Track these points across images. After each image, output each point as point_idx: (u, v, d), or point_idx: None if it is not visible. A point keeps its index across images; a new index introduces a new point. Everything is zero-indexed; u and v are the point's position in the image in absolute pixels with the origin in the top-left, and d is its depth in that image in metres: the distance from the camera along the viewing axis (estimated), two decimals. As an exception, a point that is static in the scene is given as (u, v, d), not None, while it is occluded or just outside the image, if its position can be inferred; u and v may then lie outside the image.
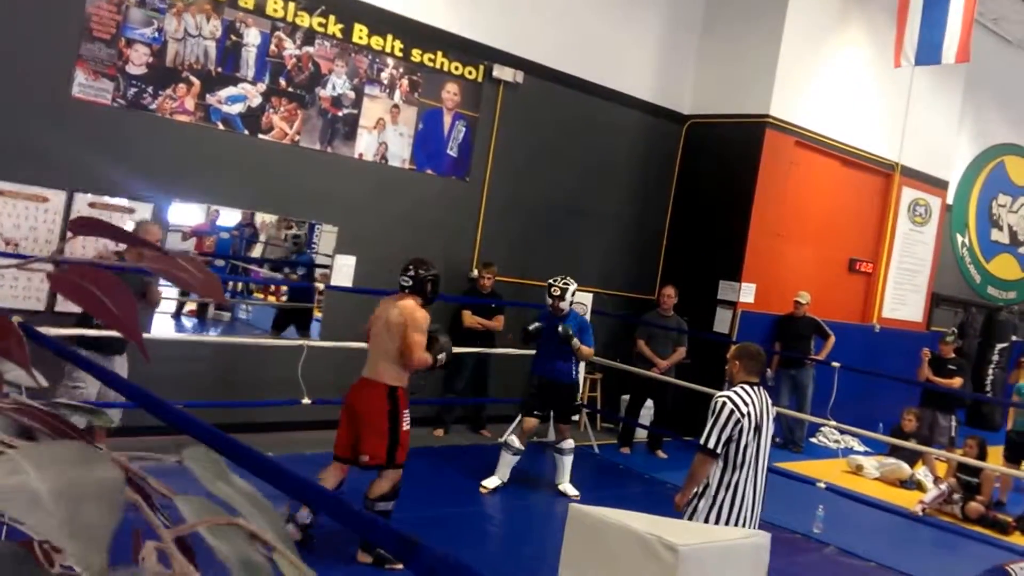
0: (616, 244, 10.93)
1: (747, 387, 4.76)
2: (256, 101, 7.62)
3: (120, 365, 6.26)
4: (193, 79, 7.26)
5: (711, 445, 4.62)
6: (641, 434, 9.96)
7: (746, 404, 4.66)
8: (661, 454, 9.68)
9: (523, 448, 7.58)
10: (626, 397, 10.09)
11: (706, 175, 11.07)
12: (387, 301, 6.01)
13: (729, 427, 4.60)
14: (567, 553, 1.71)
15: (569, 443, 7.71)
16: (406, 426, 5.69)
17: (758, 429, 4.67)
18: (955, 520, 8.51)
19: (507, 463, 7.51)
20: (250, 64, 7.57)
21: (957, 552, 7.40)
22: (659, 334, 9.73)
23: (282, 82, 7.77)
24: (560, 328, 7.54)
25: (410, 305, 5.78)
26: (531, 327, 7.78)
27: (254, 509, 0.71)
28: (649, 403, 9.84)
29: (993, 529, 8.28)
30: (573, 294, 7.67)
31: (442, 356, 5.89)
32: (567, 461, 7.69)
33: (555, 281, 7.75)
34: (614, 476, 8.76)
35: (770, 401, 4.90)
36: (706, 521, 4.48)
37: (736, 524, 4.46)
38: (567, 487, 7.61)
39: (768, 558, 1.73)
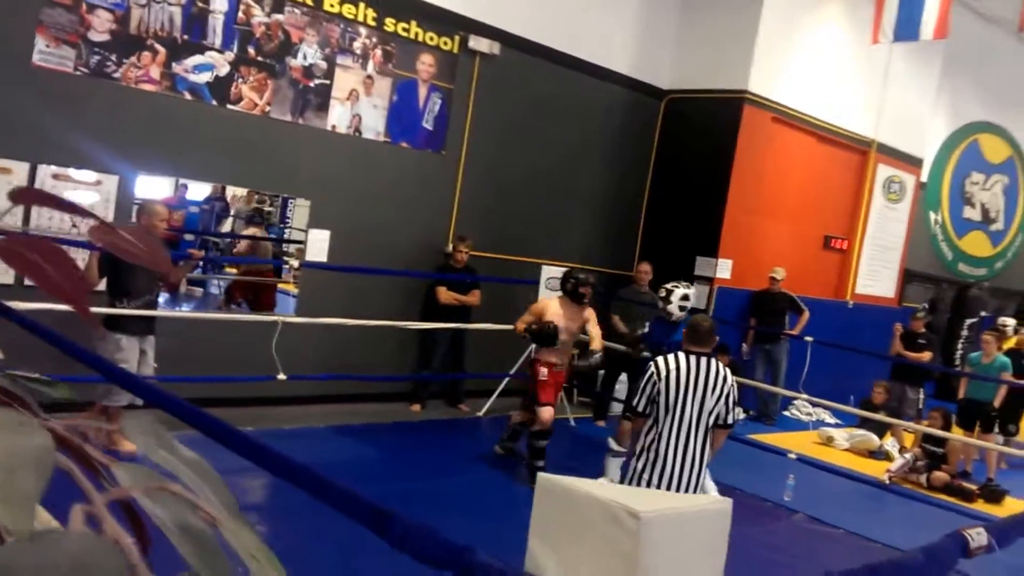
0: (594, 219, 10.91)
1: (683, 354, 5.01)
2: (224, 70, 7.47)
3: (150, 345, 6.38)
4: (158, 47, 7.10)
5: (633, 403, 5.11)
6: (616, 407, 9.98)
7: (668, 369, 4.95)
8: (636, 427, 9.71)
9: (623, 450, 7.33)
10: (602, 371, 10.10)
11: (684, 150, 11.06)
12: None
13: (648, 388, 4.98)
14: (536, 521, 1.71)
15: (619, 447, 7.17)
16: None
17: (684, 394, 4.89)
18: (921, 489, 8.66)
19: (614, 465, 7.15)
20: (217, 32, 7.41)
21: (922, 519, 7.47)
22: (633, 309, 9.74)
23: (251, 51, 7.62)
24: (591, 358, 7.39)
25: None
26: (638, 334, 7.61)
27: (199, 478, 0.70)
28: (623, 377, 9.86)
29: (957, 497, 8.42)
30: (683, 298, 7.25)
31: (583, 363, 7.41)
32: (613, 465, 7.15)
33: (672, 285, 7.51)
34: (590, 448, 8.78)
35: (722, 373, 5.00)
36: (632, 480, 4.88)
37: (657, 485, 4.71)
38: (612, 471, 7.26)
39: (729, 524, 1.73)
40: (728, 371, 5.12)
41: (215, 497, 0.69)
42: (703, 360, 5.02)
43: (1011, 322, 11.67)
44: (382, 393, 8.92)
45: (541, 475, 1.81)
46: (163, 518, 0.65)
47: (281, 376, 7.42)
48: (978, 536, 2.23)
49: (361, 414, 8.36)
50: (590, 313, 7.50)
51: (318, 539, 5.22)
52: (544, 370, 7.32)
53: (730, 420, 5.10)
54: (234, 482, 6.09)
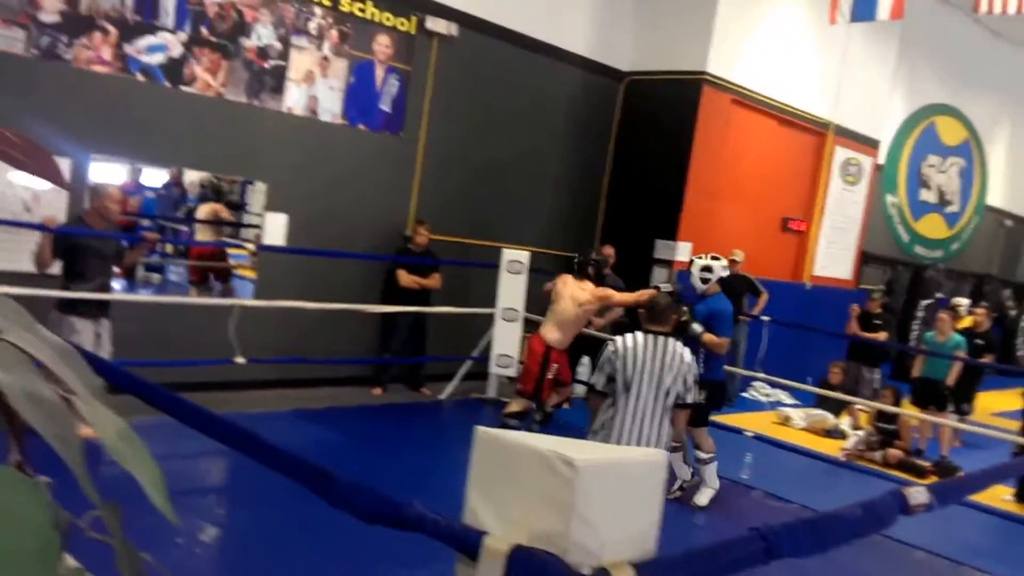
0: (554, 202, 10.93)
1: (642, 334, 5.11)
2: (177, 51, 7.39)
3: (105, 328, 6.34)
4: (109, 27, 7.00)
5: (591, 381, 5.30)
6: (579, 389, 10.02)
7: (626, 347, 5.06)
8: (597, 409, 9.76)
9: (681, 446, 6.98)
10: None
11: (644, 133, 11.10)
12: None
13: (606, 367, 5.09)
14: (474, 473, 1.73)
15: (702, 453, 6.72)
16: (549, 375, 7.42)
17: (641, 372, 5.00)
18: (876, 466, 8.81)
19: (676, 462, 6.90)
20: (169, 12, 7.32)
21: (875, 494, 7.61)
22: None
23: (204, 31, 7.53)
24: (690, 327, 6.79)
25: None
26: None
27: (62, 360, 0.71)
28: (586, 359, 9.91)
29: (911, 474, 8.56)
30: (704, 269, 6.77)
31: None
32: (706, 471, 6.72)
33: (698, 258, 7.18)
34: (554, 429, 8.78)
35: (679, 352, 5.09)
36: None
37: None
38: (703, 497, 6.72)
39: (665, 476, 1.76)
40: (687, 351, 5.16)
41: (77, 379, 0.70)
42: (660, 339, 5.08)
43: (965, 302, 11.85)
44: (342, 377, 8.90)
45: (479, 428, 1.83)
46: (8, 383, 0.66)
47: (240, 360, 7.40)
48: (918, 494, 2.27)
49: (321, 398, 8.34)
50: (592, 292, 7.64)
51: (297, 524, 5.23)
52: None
53: (690, 399, 5.15)
54: (199, 465, 6.07)
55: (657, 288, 7.21)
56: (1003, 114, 18.84)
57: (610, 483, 1.68)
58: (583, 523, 1.59)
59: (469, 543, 1.66)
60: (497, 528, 1.68)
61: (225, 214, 10.67)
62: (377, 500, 1.85)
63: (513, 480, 1.72)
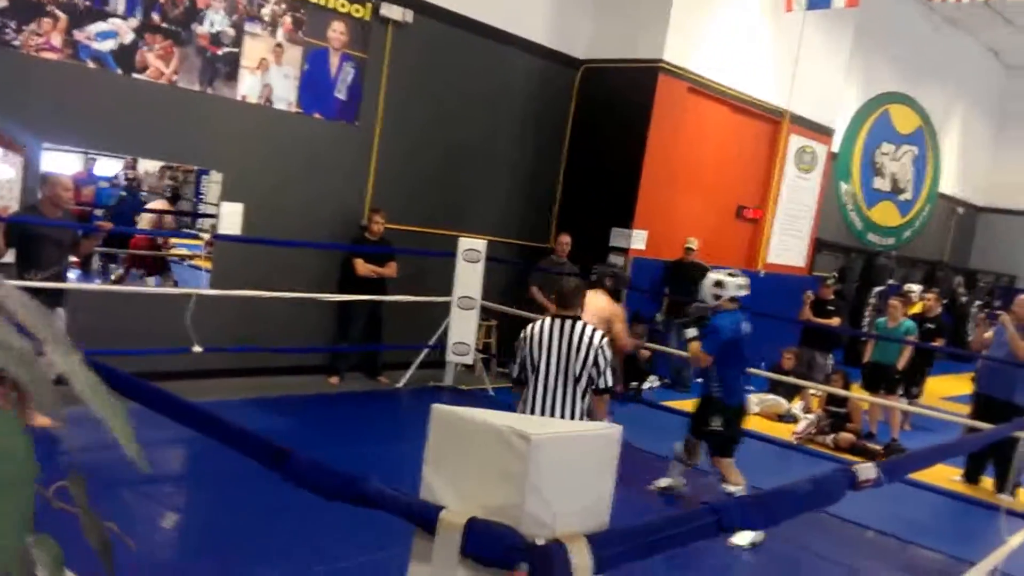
0: (511, 190, 10.95)
1: (552, 319, 5.06)
2: (128, 38, 7.28)
3: (60, 316, 6.25)
4: (59, 13, 6.88)
5: (509, 370, 5.28)
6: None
7: (533, 332, 5.04)
8: (555, 396, 9.81)
9: (688, 464, 6.78)
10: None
11: (601, 120, 11.14)
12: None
13: (518, 354, 5.10)
14: (430, 450, 1.76)
15: (729, 487, 6.24)
16: None
17: (548, 356, 4.95)
18: (827, 450, 8.96)
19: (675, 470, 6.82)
20: (120, -2, 7.23)
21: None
22: (552, 280, 9.82)
23: (155, 17, 7.43)
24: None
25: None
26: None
27: (31, 313, 0.72)
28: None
29: (862, 456, 8.71)
30: (715, 284, 6.33)
31: None
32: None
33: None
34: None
35: (588, 334, 4.95)
36: None
37: None
38: (741, 537, 5.98)
39: (618, 449, 1.79)
40: (598, 333, 5.03)
41: (45, 329, 0.71)
42: (567, 322, 5.00)
43: (916, 288, 12.05)
44: (299, 366, 8.87)
45: (435, 406, 1.85)
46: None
47: (196, 349, 7.37)
48: (866, 470, 2.31)
49: (278, 387, 8.32)
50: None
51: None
52: None
53: (602, 384, 5.01)
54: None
55: (612, 271, 7.32)
56: (956, 103, 19.16)
57: (564, 456, 1.70)
58: (537, 496, 1.62)
59: (426, 517, 1.68)
60: (453, 502, 1.70)
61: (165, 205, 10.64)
62: (334, 476, 1.87)
63: (469, 455, 1.74)
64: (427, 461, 1.83)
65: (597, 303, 7.10)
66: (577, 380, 4.96)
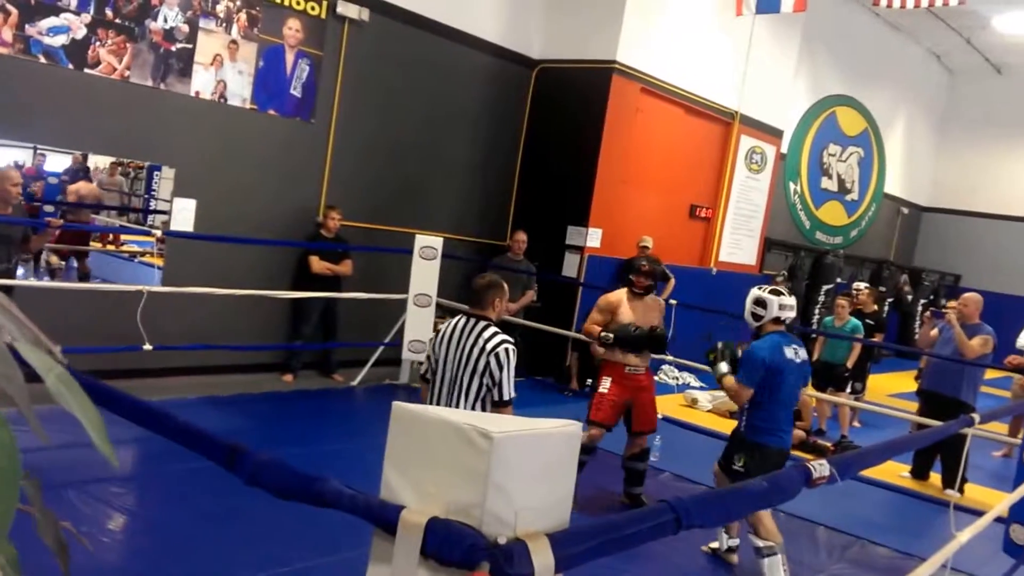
0: (467, 189, 10.96)
1: (459, 316, 4.59)
2: (81, 33, 7.19)
3: None
4: (9, 7, 6.77)
5: (421, 369, 4.80)
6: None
7: (442, 330, 4.59)
8: (512, 393, 9.83)
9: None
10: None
11: (555, 121, 11.20)
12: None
13: (428, 350, 4.68)
14: (391, 448, 1.76)
15: (757, 541, 5.23)
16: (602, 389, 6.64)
17: (447, 356, 4.47)
18: (781, 447, 9.05)
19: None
20: (73, -8, 7.13)
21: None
22: (509, 278, 9.80)
23: (108, 13, 7.34)
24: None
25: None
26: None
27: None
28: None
29: (813, 454, 8.83)
30: (756, 303, 5.46)
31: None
32: (765, 566, 5.17)
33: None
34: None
35: (488, 338, 4.37)
36: None
37: None
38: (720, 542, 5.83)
39: (579, 446, 1.81)
40: (498, 338, 4.42)
41: (14, 327, 0.73)
42: (471, 321, 4.51)
43: (863, 286, 12.23)
44: (253, 364, 8.82)
45: (395, 403, 1.85)
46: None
47: (147, 347, 7.29)
48: (820, 468, 2.36)
49: (231, 385, 8.26)
50: (660, 305, 6.95)
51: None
52: (607, 380, 6.60)
53: (502, 396, 4.39)
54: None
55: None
56: (900, 105, 19.49)
57: (525, 454, 1.71)
58: (499, 494, 1.62)
59: (386, 517, 1.66)
60: (414, 502, 1.69)
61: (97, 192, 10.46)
62: (290, 475, 1.86)
63: (429, 454, 1.74)
64: (387, 460, 1.82)
65: (637, 304, 6.67)
66: (468, 389, 4.40)
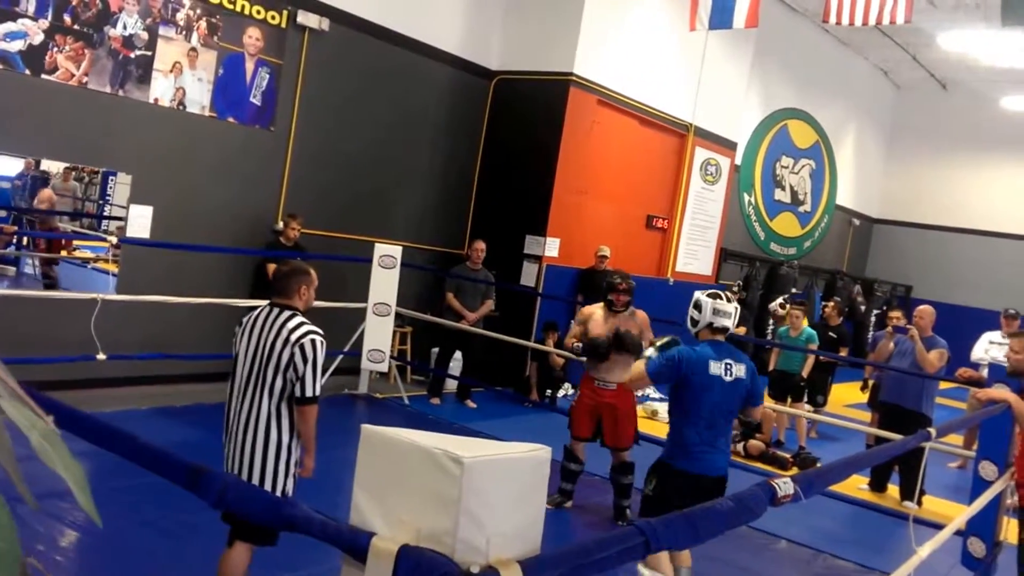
0: (426, 198, 10.96)
1: (262, 306, 4.12)
2: (38, 38, 7.11)
3: None
4: (-34, 13, 6.71)
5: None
6: (451, 385, 10.12)
7: (243, 322, 4.12)
8: (470, 404, 9.86)
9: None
10: (436, 349, 10.20)
11: (513, 131, 11.24)
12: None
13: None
14: (360, 472, 1.76)
15: (645, 570, 4.48)
16: None
17: (247, 347, 4.00)
18: (738, 458, 9.10)
19: None
20: (31, -2, 7.06)
21: (739, 486, 7.87)
22: (468, 287, 9.87)
23: (67, 19, 7.27)
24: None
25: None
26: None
27: None
28: (458, 355, 9.99)
29: (772, 465, 8.94)
30: (694, 306, 4.84)
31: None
32: None
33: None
34: (425, 425, 8.84)
35: (290, 328, 3.88)
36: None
37: (228, 457, 4.03)
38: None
39: (548, 471, 1.83)
40: (304, 328, 3.94)
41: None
42: (275, 311, 4.02)
43: (779, 300, 12.32)
44: (209, 373, 8.69)
45: (365, 427, 1.85)
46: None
47: (101, 356, 7.17)
48: (785, 486, 2.38)
49: (187, 395, 8.16)
50: (643, 319, 6.69)
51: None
52: (578, 392, 6.82)
53: (304, 392, 3.90)
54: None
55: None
56: (850, 119, 19.80)
57: (497, 480, 1.72)
58: (471, 521, 1.62)
59: (356, 544, 1.64)
60: (384, 528, 1.68)
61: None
62: (260, 499, 1.84)
63: (400, 479, 1.74)
64: (356, 484, 1.82)
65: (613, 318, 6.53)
66: (270, 386, 3.91)
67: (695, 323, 4.81)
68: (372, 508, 1.76)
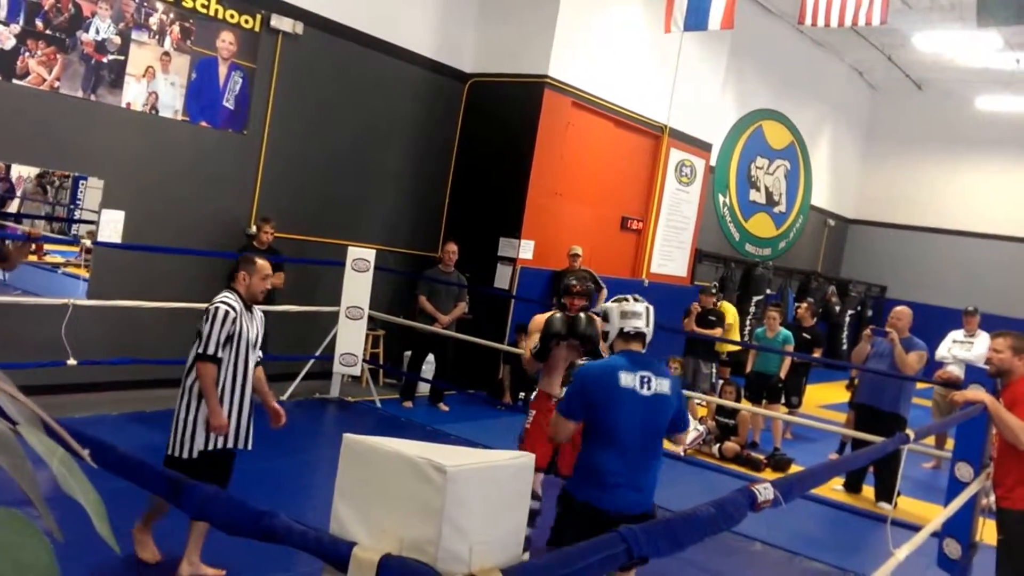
0: (399, 201, 10.94)
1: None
2: (10, 43, 7.05)
3: None
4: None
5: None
6: (423, 388, 10.09)
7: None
8: (443, 407, 9.83)
9: None
10: (408, 352, 10.18)
11: (487, 134, 11.24)
12: None
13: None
14: (341, 481, 1.74)
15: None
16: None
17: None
18: (713, 460, 9.17)
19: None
20: (2, 4, 6.98)
21: (715, 488, 7.91)
22: (441, 290, 9.85)
23: (39, 24, 7.22)
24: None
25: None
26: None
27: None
28: (431, 358, 9.97)
29: (747, 466, 8.99)
30: (603, 318, 4.24)
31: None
32: None
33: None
34: (397, 429, 8.83)
35: (213, 297, 4.69)
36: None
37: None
38: None
39: (532, 476, 1.82)
40: (218, 299, 4.60)
41: (13, 407, 0.73)
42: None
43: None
44: (181, 378, 8.66)
45: (347, 436, 1.84)
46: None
47: (72, 362, 7.10)
48: (765, 491, 2.39)
49: (159, 400, 8.07)
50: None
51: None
52: (531, 414, 5.50)
53: (199, 349, 4.51)
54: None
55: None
56: (825, 120, 19.93)
57: (480, 488, 1.71)
58: (454, 529, 1.61)
59: (337, 554, 1.62)
60: (366, 538, 1.67)
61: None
62: (239, 510, 1.81)
63: (382, 488, 1.73)
64: (337, 493, 1.80)
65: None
66: (194, 346, 4.58)
67: (607, 336, 4.17)
68: (353, 517, 1.75)
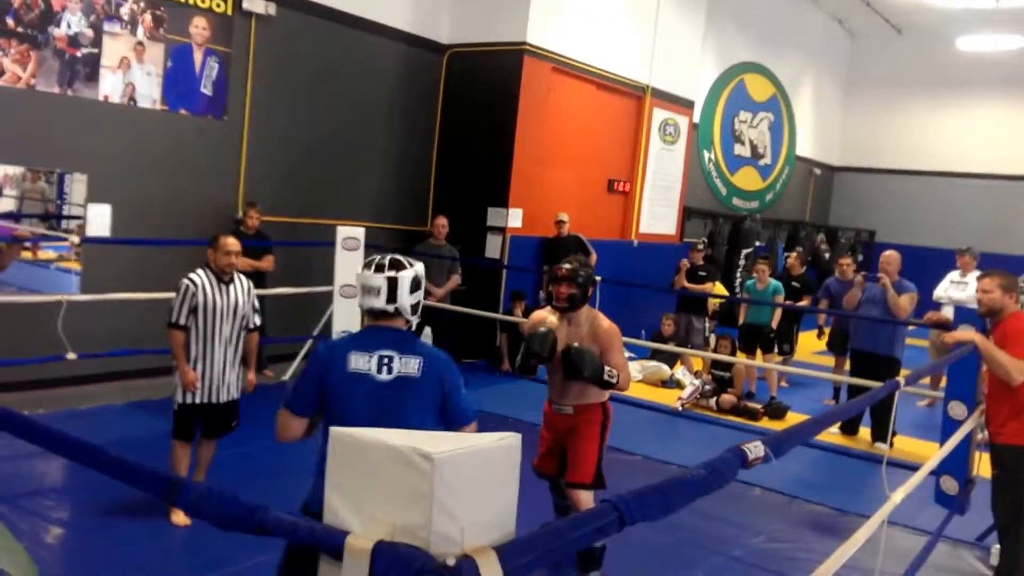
0: (385, 177, 10.93)
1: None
2: (-18, 44, 7.03)
3: None
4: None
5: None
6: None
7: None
8: (443, 378, 9.86)
9: None
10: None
11: (469, 104, 11.21)
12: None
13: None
14: (331, 474, 1.77)
15: None
16: None
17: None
18: (711, 412, 9.28)
19: None
20: (-29, 4, 6.95)
21: (713, 440, 8.01)
22: (433, 263, 9.87)
23: (10, 22, 7.17)
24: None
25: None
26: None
27: None
28: (428, 331, 10.00)
29: (744, 417, 9.10)
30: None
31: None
32: None
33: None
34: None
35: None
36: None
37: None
38: None
39: (519, 457, 1.87)
40: (186, 275, 5.42)
41: None
42: None
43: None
44: (181, 367, 8.70)
45: (333, 428, 1.87)
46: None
47: (71, 356, 7.14)
48: (755, 449, 2.42)
49: (159, 388, 8.10)
50: (607, 334, 4.95)
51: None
52: (543, 417, 5.24)
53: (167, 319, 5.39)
54: (31, 468, 5.85)
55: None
56: (806, 70, 19.88)
57: (467, 471, 1.74)
58: (444, 513, 1.64)
59: (331, 543, 1.65)
60: (359, 526, 1.69)
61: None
62: (231, 506, 1.83)
63: (371, 478, 1.76)
64: (328, 484, 1.83)
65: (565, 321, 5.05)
66: None
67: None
68: (345, 508, 1.78)
